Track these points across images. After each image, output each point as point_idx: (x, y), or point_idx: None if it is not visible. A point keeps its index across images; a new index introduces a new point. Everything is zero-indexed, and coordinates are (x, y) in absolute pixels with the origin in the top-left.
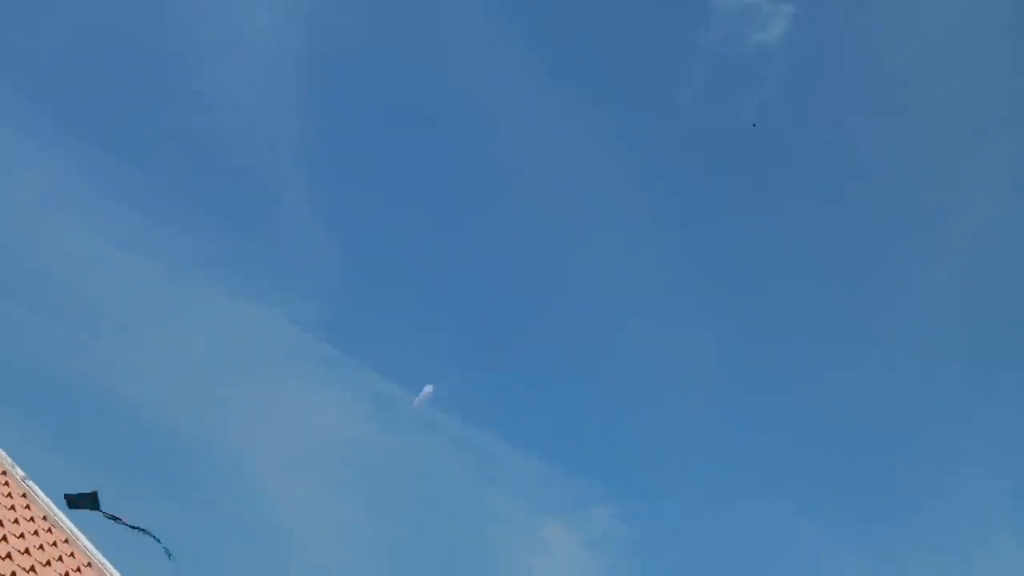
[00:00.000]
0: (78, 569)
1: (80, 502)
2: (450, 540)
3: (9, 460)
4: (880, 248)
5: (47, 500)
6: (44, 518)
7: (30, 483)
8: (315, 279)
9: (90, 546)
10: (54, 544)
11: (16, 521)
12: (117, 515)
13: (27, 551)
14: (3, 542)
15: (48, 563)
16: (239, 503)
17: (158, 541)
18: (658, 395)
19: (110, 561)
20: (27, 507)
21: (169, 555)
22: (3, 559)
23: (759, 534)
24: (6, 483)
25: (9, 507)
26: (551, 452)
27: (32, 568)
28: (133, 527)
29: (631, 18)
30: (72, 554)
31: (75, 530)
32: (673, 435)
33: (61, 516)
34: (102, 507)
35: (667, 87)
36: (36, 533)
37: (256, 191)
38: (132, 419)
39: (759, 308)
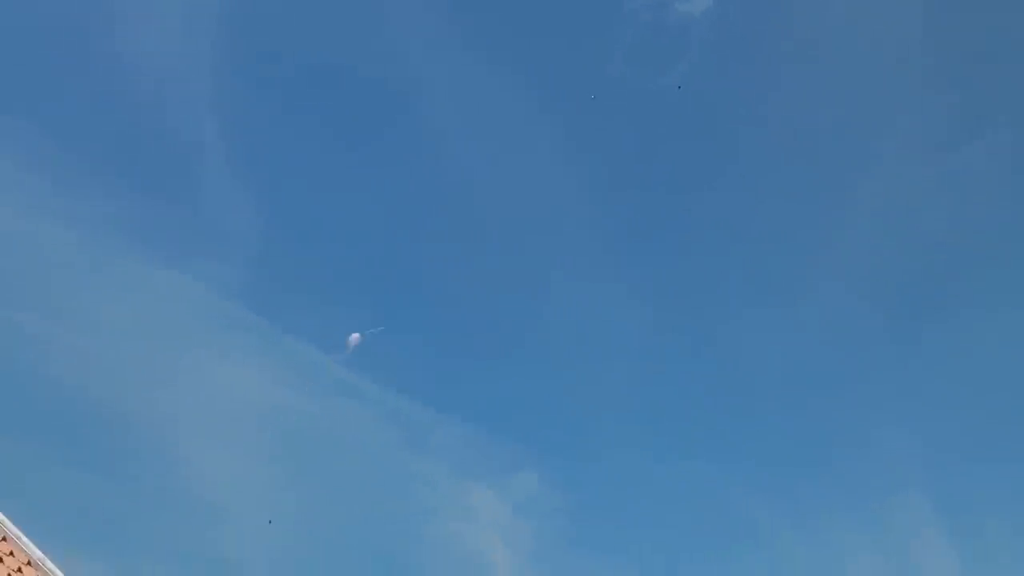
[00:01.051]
0: (19, 569)
1: None
2: (375, 507)
3: None
4: (800, 210)
5: None
6: None
7: None
8: (235, 243)
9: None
10: None
11: None
12: None
13: None
14: None
15: None
16: (162, 475)
17: None
18: (584, 358)
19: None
20: None
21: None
22: None
23: (685, 494)
24: None
25: None
26: (477, 416)
27: None
28: None
29: None
30: (11, 553)
31: (13, 528)
32: (599, 398)
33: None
34: None
35: (592, 53)
36: None
37: (174, 153)
38: (50, 390)
39: (683, 272)
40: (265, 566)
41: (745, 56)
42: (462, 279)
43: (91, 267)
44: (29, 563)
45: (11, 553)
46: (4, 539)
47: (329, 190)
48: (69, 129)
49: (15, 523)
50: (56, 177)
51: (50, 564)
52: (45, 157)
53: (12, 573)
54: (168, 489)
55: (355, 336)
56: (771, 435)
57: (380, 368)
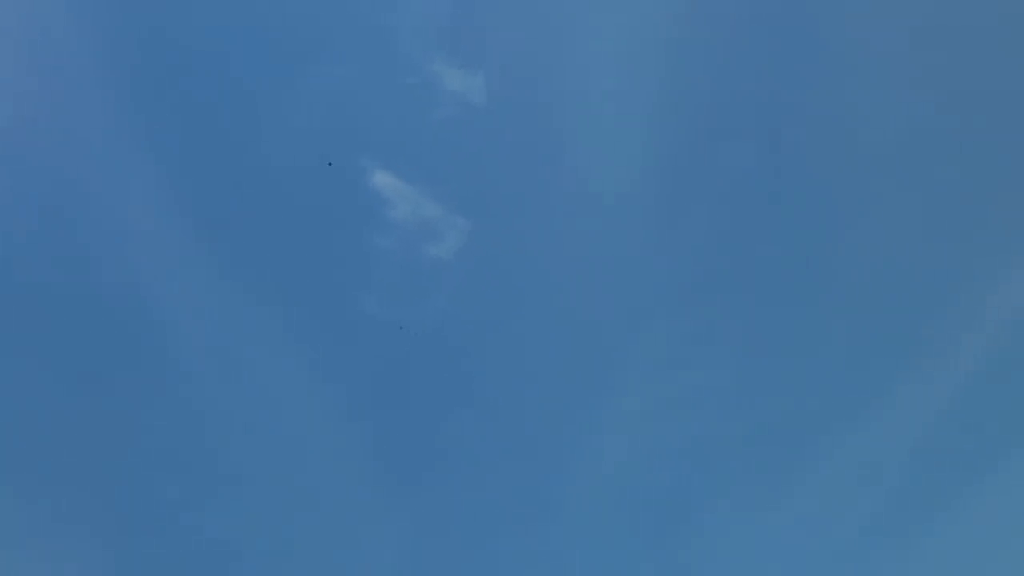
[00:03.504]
0: None
1: None
2: None
3: None
4: (550, 429)
5: None
6: None
7: None
8: None
9: None
10: None
11: None
12: None
13: None
14: None
15: None
16: None
17: None
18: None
19: None
20: None
21: None
22: None
23: None
24: None
25: None
26: None
27: None
28: None
29: (304, 219)
30: None
31: None
32: None
33: None
34: None
35: (344, 292)
36: None
37: None
38: None
39: (439, 501)
40: None
41: (497, 297)
42: (214, 526)
43: None
44: None
45: None
46: None
47: (57, 440)
48: None
49: None
50: None
51: None
52: None
53: None
54: None
55: None
56: None
57: None
